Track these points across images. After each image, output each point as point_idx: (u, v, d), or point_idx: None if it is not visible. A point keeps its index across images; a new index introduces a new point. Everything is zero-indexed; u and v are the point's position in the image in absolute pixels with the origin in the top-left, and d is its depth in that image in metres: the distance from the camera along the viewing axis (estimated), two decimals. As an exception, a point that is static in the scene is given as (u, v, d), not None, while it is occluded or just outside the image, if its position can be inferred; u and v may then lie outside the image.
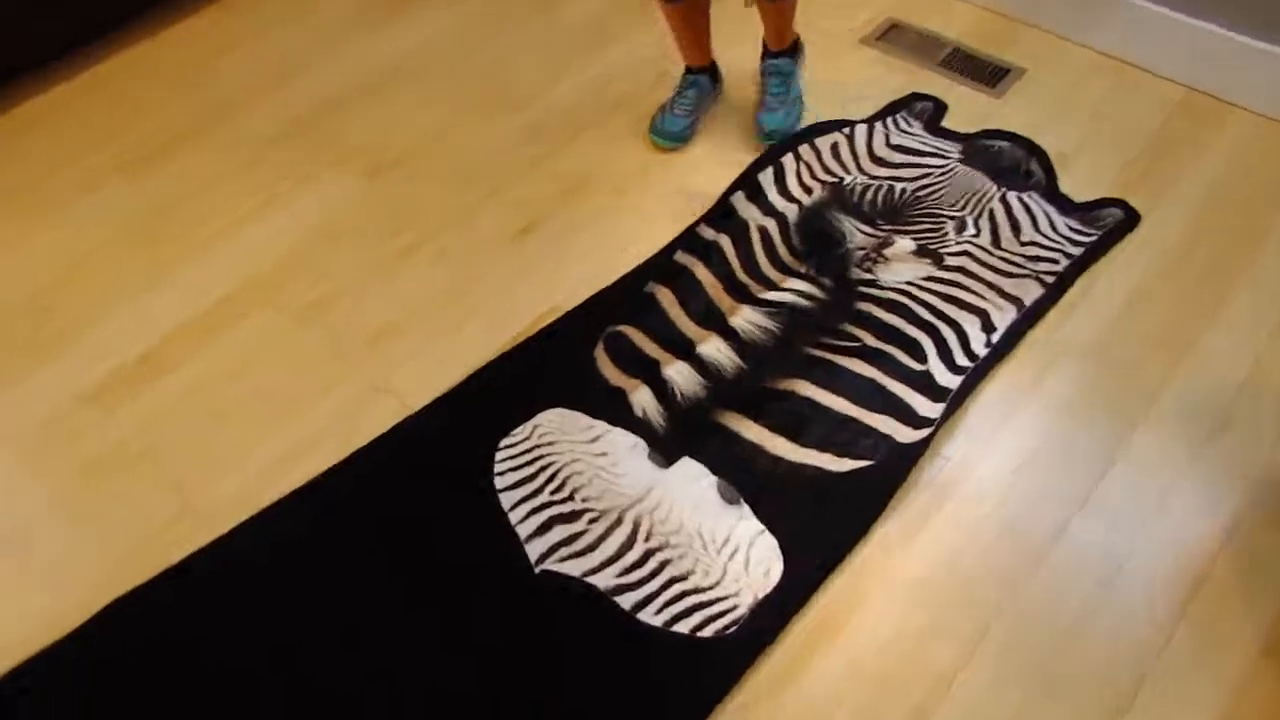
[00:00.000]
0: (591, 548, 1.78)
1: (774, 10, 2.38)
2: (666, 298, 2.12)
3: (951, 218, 2.24)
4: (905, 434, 1.90)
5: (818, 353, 2.01)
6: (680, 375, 1.99)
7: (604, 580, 1.73)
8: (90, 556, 1.83)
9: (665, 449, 1.90)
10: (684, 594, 1.72)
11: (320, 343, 2.11)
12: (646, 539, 1.78)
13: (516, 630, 1.70)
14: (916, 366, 1.99)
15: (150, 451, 1.96)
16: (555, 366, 2.03)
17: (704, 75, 2.52)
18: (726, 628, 1.68)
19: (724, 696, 1.62)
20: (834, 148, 2.41)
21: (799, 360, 2.00)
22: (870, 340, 2.03)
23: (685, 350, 2.03)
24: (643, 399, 1.96)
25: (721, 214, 2.28)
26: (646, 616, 1.70)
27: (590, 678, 1.65)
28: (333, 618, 1.71)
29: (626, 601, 1.71)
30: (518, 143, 2.51)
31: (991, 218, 2.24)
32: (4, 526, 1.88)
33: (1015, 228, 2.22)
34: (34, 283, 2.26)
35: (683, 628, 1.69)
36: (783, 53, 2.49)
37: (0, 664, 1.70)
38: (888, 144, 2.41)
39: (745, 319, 2.06)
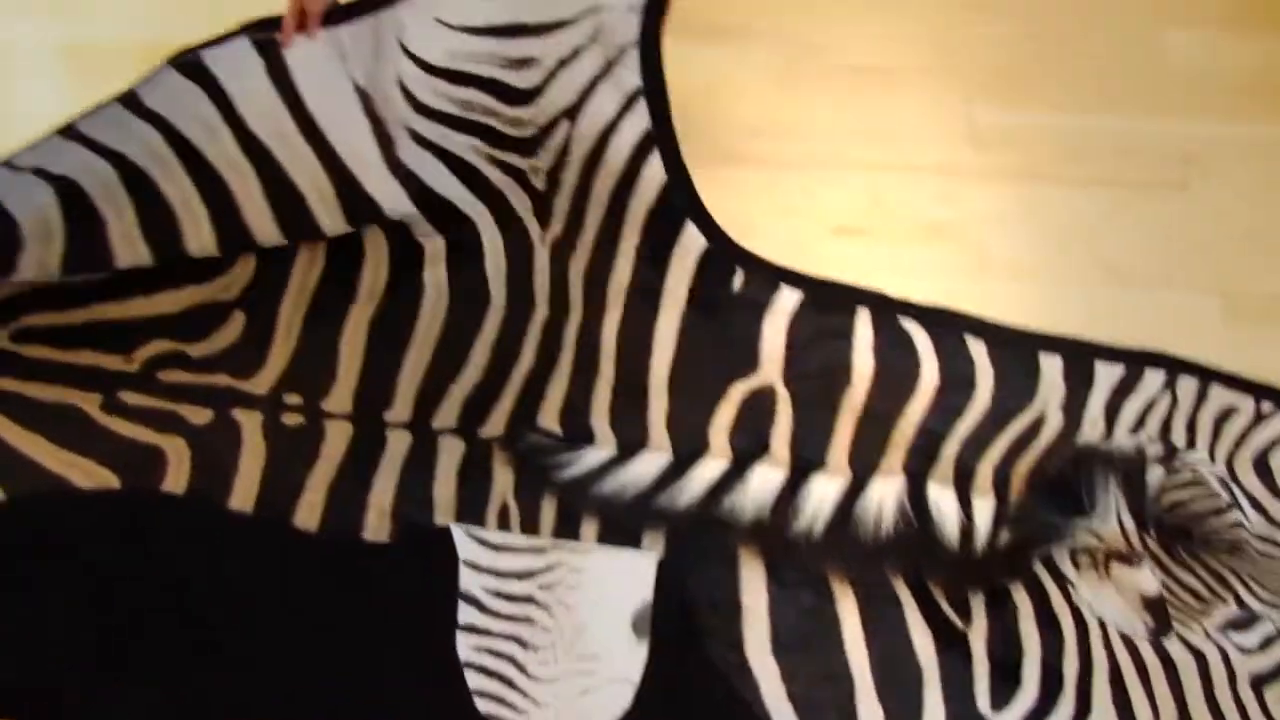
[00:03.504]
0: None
1: None
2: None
3: (1243, 606, 1.67)
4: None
5: (898, 587, 1.62)
6: (762, 479, 1.70)
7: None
8: None
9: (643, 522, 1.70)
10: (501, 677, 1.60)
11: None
12: (541, 586, 1.60)
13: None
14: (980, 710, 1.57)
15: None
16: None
17: None
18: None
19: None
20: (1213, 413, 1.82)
21: (871, 574, 1.64)
22: (977, 635, 1.61)
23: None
24: (709, 470, 1.70)
25: None
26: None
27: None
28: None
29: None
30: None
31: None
32: None
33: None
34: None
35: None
36: None
37: None
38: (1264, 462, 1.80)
39: (877, 492, 1.70)
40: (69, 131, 1.69)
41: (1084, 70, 2.14)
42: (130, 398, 1.85)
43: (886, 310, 1.84)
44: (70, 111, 1.69)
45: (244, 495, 1.75)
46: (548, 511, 1.72)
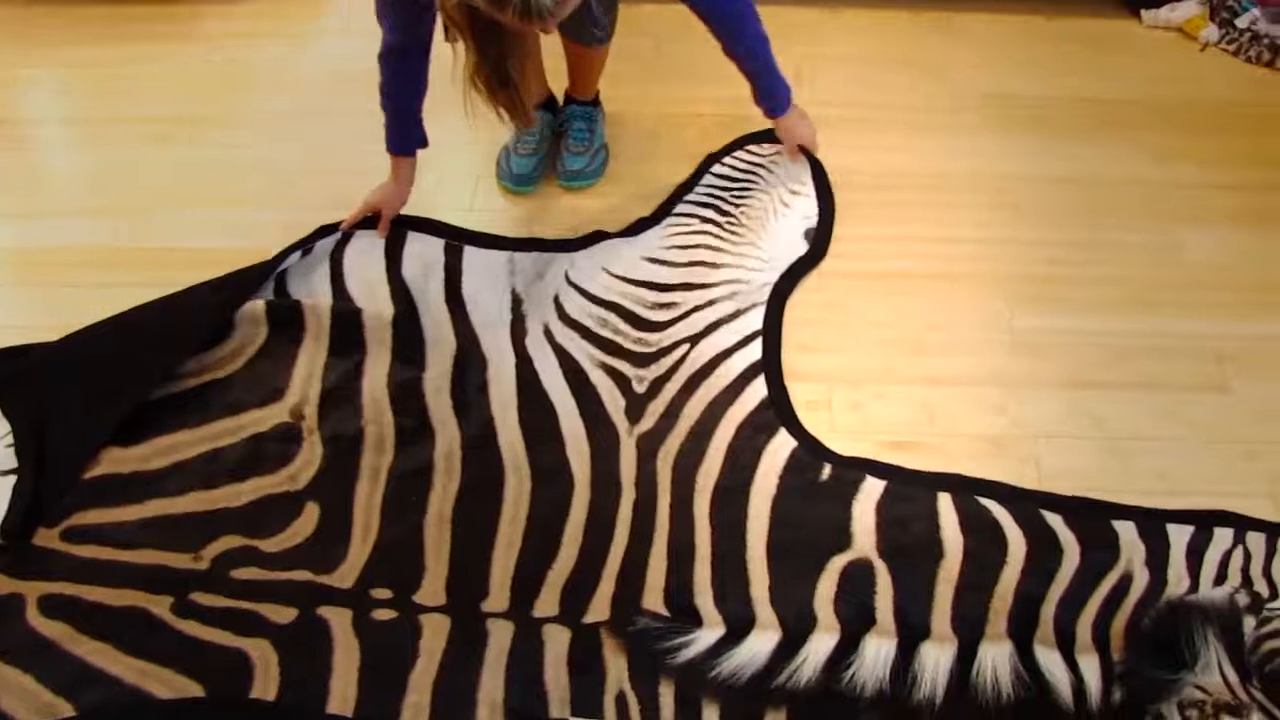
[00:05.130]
0: None
1: (582, 57, 2.38)
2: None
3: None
4: None
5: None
6: (876, 650, 1.74)
7: None
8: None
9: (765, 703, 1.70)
10: None
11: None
12: None
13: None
14: None
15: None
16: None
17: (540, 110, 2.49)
18: None
19: None
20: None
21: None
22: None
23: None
24: (822, 644, 1.73)
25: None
26: None
27: None
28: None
29: None
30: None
31: None
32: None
33: None
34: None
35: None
36: (585, 101, 2.50)
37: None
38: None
39: (989, 657, 1.74)
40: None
41: (1109, 276, 2.29)
42: (204, 598, 1.79)
43: (966, 490, 1.93)
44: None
45: (342, 698, 1.69)
46: (666, 698, 1.70)
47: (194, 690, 1.71)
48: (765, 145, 2.49)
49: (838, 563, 1.83)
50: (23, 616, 1.81)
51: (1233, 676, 1.75)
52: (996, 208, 2.41)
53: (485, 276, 2.25)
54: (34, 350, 2.12)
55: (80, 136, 2.67)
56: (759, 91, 2.29)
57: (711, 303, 2.18)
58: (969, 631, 1.77)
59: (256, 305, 2.13)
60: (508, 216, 2.40)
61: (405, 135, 2.22)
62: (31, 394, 2.05)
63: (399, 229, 2.33)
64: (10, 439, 1.99)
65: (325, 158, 2.56)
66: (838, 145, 2.48)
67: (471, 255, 2.29)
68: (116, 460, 1.97)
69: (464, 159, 2.52)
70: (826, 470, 1.94)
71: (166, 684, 1.72)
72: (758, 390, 2.04)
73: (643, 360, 2.09)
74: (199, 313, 2.12)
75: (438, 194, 2.42)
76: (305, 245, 2.29)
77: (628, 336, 2.13)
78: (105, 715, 1.69)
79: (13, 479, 1.94)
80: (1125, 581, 1.83)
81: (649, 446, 1.96)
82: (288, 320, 2.13)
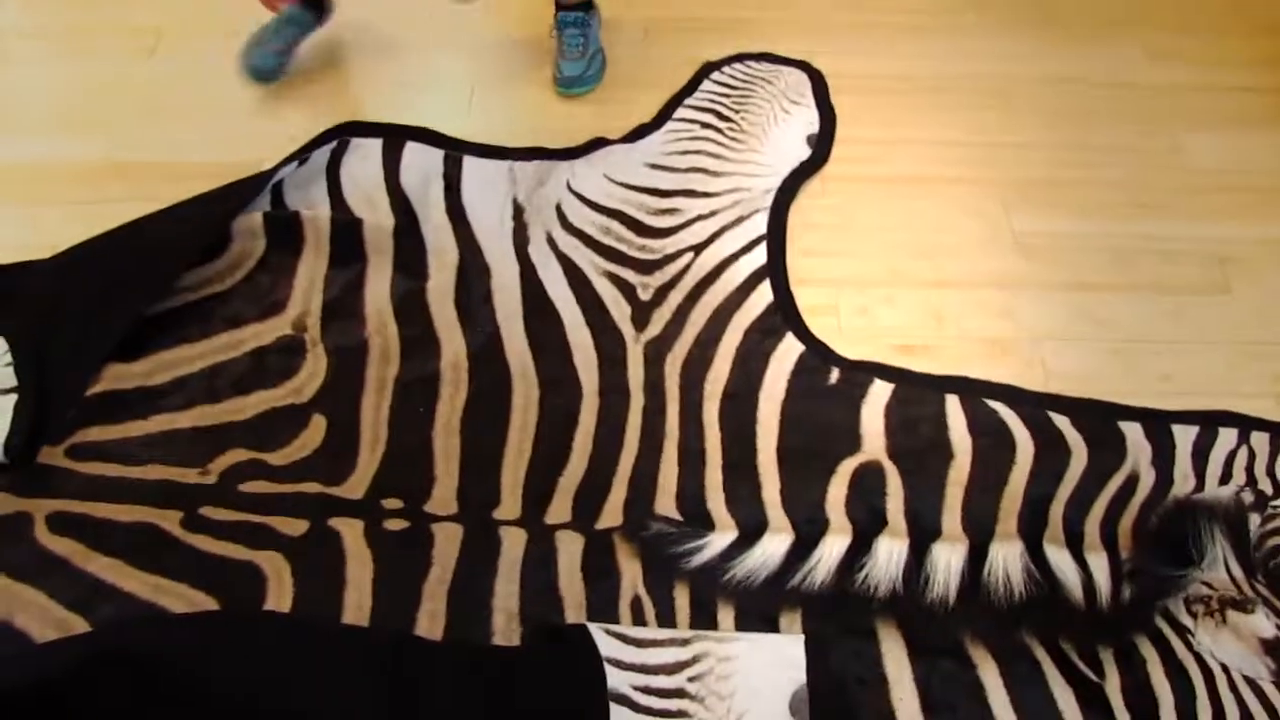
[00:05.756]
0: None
1: None
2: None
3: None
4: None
5: (1035, 648, 1.69)
6: (888, 551, 1.75)
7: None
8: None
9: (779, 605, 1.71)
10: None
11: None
12: (691, 679, 1.61)
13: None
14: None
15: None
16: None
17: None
18: None
19: None
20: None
21: (1009, 637, 1.69)
22: (1112, 689, 1.66)
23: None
24: (835, 546, 1.74)
25: None
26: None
27: None
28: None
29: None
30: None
31: None
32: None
33: None
34: None
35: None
36: (576, 6, 2.45)
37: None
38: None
39: (1000, 556, 1.76)
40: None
41: (1112, 178, 2.30)
42: (213, 513, 1.79)
43: (973, 393, 1.94)
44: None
45: (357, 608, 1.70)
46: (681, 601, 1.71)
47: (208, 604, 1.71)
48: (764, 63, 2.47)
49: (848, 466, 1.84)
50: (31, 534, 1.79)
51: (1238, 572, 1.78)
52: (995, 109, 2.41)
53: (486, 186, 2.23)
54: (29, 267, 2.09)
55: (56, 50, 2.61)
56: None
57: (715, 212, 2.17)
58: (979, 532, 1.79)
59: (254, 217, 2.10)
60: (506, 122, 2.38)
61: None
62: (29, 311, 2.02)
63: (397, 138, 2.31)
64: (9, 357, 1.98)
65: (319, 68, 2.52)
66: (838, 50, 2.47)
67: (471, 165, 2.26)
68: (118, 376, 1.96)
69: (460, 66, 2.49)
70: (834, 374, 1.95)
71: (181, 598, 1.72)
72: (763, 295, 2.04)
73: (647, 267, 2.08)
74: (195, 226, 2.09)
75: (434, 103, 2.40)
76: (301, 155, 2.26)
77: (631, 244, 2.12)
78: (122, 630, 1.70)
79: (13, 397, 1.93)
80: (1132, 481, 1.86)
81: (656, 353, 1.96)
82: (286, 231, 2.10)
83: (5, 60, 2.60)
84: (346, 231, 2.10)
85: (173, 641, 1.66)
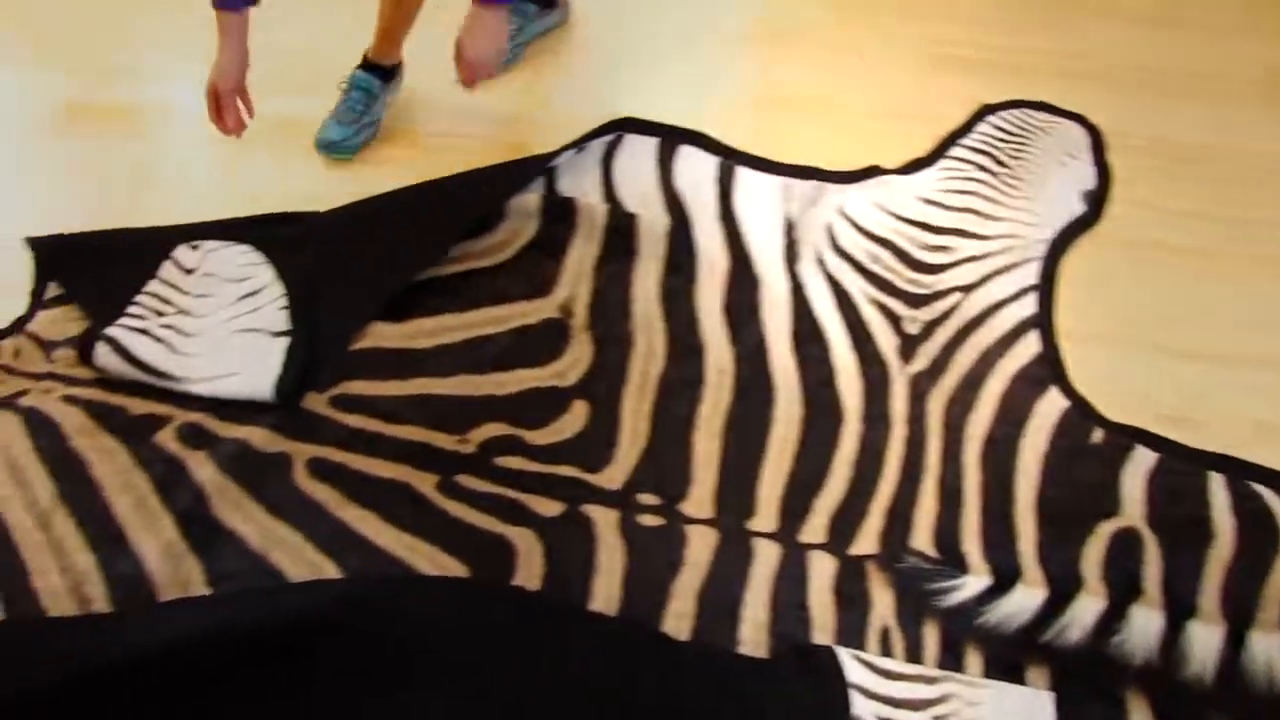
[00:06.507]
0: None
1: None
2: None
3: None
4: None
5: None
6: (1144, 621, 1.70)
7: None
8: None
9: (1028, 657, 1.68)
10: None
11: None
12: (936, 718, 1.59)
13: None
14: None
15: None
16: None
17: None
18: None
19: None
20: None
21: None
22: None
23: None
24: (1089, 607, 1.71)
25: None
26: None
27: None
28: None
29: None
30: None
31: None
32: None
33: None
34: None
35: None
36: (379, 68, 2.38)
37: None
38: None
39: (1261, 646, 1.69)
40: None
41: None
42: (469, 481, 1.81)
43: (1239, 473, 1.88)
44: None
45: (606, 597, 1.70)
46: (931, 639, 1.69)
47: (458, 570, 1.73)
48: (1043, 112, 2.44)
49: (1106, 528, 1.81)
50: (290, 475, 1.84)
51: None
52: (1274, 188, 2.35)
53: (758, 198, 2.23)
54: (305, 219, 2.16)
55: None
56: None
57: (986, 255, 2.15)
58: (1239, 617, 1.73)
59: (529, 198, 2.14)
60: (776, 140, 2.38)
61: None
62: (303, 261, 2.08)
63: (671, 140, 2.33)
64: (285, 301, 2.03)
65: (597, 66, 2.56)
66: (1121, 107, 2.44)
67: (744, 175, 2.28)
68: (382, 335, 2.00)
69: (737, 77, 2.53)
70: (1098, 434, 1.91)
71: (431, 560, 1.74)
72: (1030, 345, 2.01)
73: (915, 301, 2.07)
74: (470, 200, 2.13)
75: (708, 115, 2.42)
76: (580, 143, 2.29)
77: (900, 275, 2.11)
78: (375, 583, 1.72)
79: (285, 341, 1.98)
80: (1407, 587, 1.80)
81: (921, 387, 1.94)
82: (560, 216, 2.13)
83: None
84: (622, 224, 2.13)
85: (423, 602, 1.69)
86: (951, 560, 1.76)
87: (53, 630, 1.67)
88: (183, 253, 2.16)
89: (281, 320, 2.00)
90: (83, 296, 2.10)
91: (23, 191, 2.39)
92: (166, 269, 2.14)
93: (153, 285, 2.11)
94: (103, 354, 1.97)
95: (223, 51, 2.07)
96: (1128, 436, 1.91)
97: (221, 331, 2.02)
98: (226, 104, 2.10)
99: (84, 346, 1.99)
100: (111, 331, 2.01)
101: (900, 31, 2.64)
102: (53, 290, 2.14)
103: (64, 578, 1.75)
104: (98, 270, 2.13)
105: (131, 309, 2.07)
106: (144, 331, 2.01)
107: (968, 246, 2.16)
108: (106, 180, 2.38)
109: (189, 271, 2.13)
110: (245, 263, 2.14)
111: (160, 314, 2.06)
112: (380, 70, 2.38)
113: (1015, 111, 2.43)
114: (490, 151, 2.31)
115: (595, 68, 2.58)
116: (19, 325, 2.09)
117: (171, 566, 1.75)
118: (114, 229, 2.23)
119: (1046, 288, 2.10)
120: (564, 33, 2.64)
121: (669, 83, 2.51)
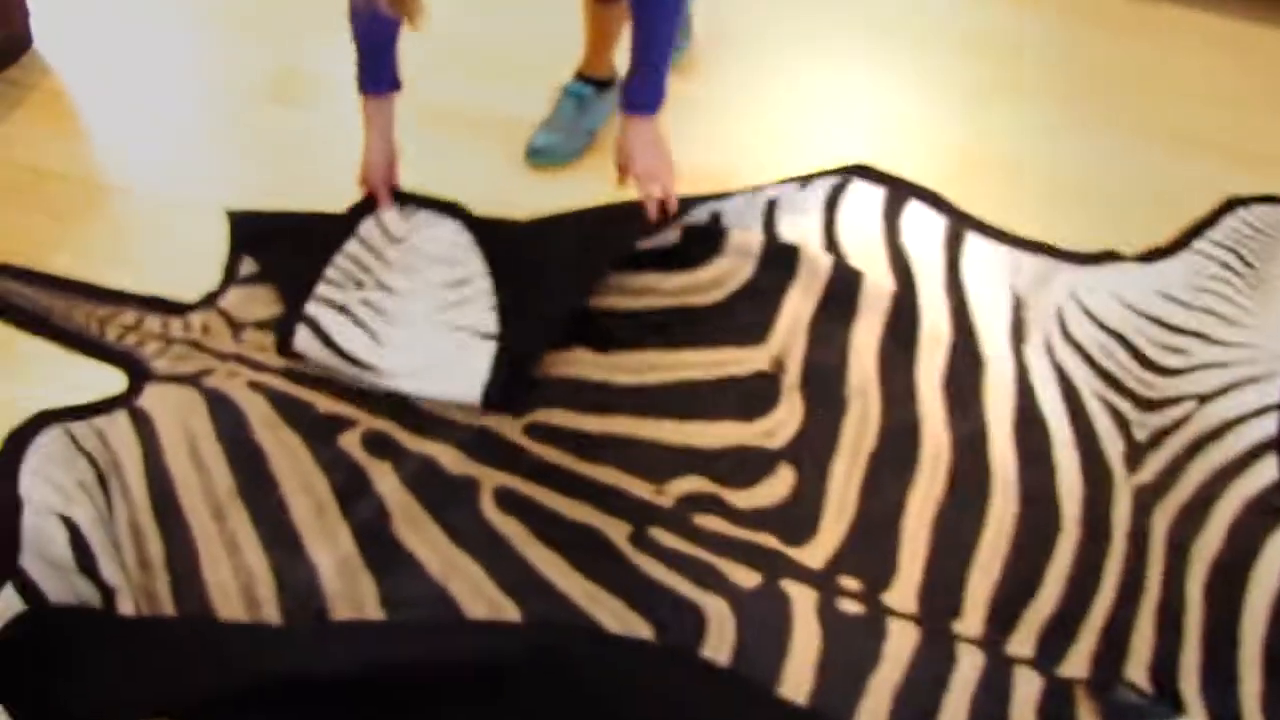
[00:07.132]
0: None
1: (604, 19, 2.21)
2: None
3: None
4: None
5: None
6: None
7: None
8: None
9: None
10: None
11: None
12: None
13: None
14: None
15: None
16: None
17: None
18: None
19: None
20: None
21: None
22: None
23: None
24: None
25: None
26: None
27: None
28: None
29: None
30: None
31: None
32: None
33: None
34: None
35: None
36: (591, 80, 2.34)
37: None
38: None
39: None
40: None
41: None
42: (663, 536, 1.72)
43: None
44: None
45: (796, 683, 1.61)
46: (1136, 777, 1.59)
47: (643, 631, 1.65)
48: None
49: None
50: (477, 503, 1.77)
51: None
52: None
53: (986, 269, 2.12)
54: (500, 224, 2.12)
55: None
56: (632, 77, 1.93)
57: (1226, 364, 2.01)
58: None
59: (751, 236, 2.05)
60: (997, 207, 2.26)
61: (376, 70, 1.99)
62: (514, 258, 2.03)
63: (898, 194, 2.22)
64: (495, 299, 1.97)
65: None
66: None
67: (973, 242, 2.16)
68: (584, 363, 1.92)
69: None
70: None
71: (616, 616, 1.66)
72: (1268, 469, 1.87)
73: (1145, 404, 1.95)
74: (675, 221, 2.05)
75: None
76: (803, 180, 2.20)
77: (1130, 373, 1.98)
78: (555, 634, 1.65)
79: (491, 345, 1.91)
80: None
81: (1146, 501, 1.82)
82: (781, 262, 2.04)
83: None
84: (845, 281, 2.02)
85: (613, 661, 1.61)
86: (1168, 697, 1.65)
87: (255, 637, 1.63)
88: (391, 219, 2.11)
89: (491, 322, 1.94)
90: (278, 278, 2.04)
91: (227, 159, 2.33)
92: (368, 228, 2.09)
93: (351, 246, 2.06)
94: (303, 339, 1.91)
95: (369, 140, 2.06)
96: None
97: (426, 326, 1.96)
98: (381, 198, 2.11)
99: (283, 333, 1.93)
100: (311, 310, 1.95)
101: (1143, 107, 2.52)
102: (247, 267, 2.08)
103: (236, 577, 1.70)
104: (295, 254, 2.07)
105: (329, 272, 2.02)
106: (343, 309, 1.95)
107: (1207, 351, 2.02)
108: (310, 155, 2.33)
109: (396, 241, 2.08)
110: (456, 243, 2.09)
111: (360, 284, 2.01)
112: (592, 81, 2.33)
113: (1266, 207, 2.28)
114: (696, 176, 2.21)
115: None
116: (210, 300, 2.04)
117: (346, 582, 1.70)
118: (314, 212, 2.16)
119: (1292, 403, 1.99)
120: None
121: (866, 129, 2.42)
